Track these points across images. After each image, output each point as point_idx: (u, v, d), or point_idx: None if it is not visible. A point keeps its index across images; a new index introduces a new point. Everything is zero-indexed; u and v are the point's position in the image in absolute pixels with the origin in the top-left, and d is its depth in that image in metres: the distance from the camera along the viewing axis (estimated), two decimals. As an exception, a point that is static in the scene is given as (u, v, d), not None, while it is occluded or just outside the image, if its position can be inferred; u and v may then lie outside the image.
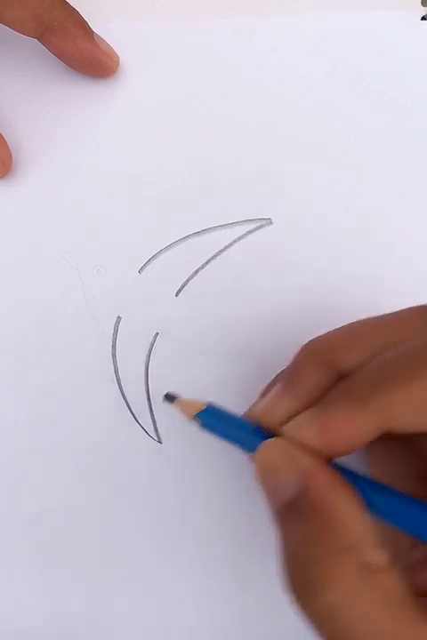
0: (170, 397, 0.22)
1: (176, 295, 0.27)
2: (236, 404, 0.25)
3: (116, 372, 0.26)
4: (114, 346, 0.26)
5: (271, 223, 0.27)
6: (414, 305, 0.19)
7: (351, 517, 0.16)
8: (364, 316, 0.26)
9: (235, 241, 0.27)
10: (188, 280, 0.27)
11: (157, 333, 0.26)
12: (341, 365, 0.18)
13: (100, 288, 0.26)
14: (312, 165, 0.28)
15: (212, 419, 0.20)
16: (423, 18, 0.31)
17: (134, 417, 0.25)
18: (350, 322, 0.20)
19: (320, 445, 0.17)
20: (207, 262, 0.27)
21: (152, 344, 0.26)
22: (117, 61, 0.28)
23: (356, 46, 0.29)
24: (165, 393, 0.22)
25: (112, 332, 0.26)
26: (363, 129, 0.29)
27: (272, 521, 0.17)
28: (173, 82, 0.29)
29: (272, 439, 0.18)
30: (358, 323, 0.20)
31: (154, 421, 0.25)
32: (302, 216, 0.27)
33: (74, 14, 0.27)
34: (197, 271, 0.27)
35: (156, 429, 0.25)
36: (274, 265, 0.27)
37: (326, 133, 0.28)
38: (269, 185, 0.28)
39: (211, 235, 0.27)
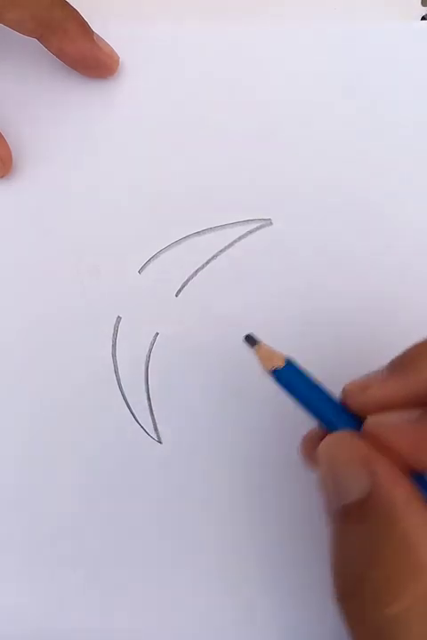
0: (251, 340, 0.20)
1: (176, 295, 0.27)
2: (236, 403, 0.25)
3: (116, 372, 0.26)
4: (114, 346, 0.26)
5: (271, 223, 0.27)
6: None
7: (424, 539, 0.15)
8: (364, 318, 0.27)
9: (235, 241, 0.27)
10: (188, 280, 0.27)
11: (157, 333, 0.26)
12: None
13: (101, 288, 0.26)
14: (312, 166, 0.28)
15: (290, 377, 0.19)
16: (423, 18, 0.31)
17: (134, 417, 0.25)
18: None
19: (412, 459, 0.16)
20: (207, 262, 0.27)
21: (152, 344, 0.26)
22: (117, 61, 0.28)
23: (356, 46, 0.29)
24: (246, 334, 0.20)
25: (112, 332, 0.26)
26: (363, 129, 0.29)
27: (327, 518, 0.16)
28: (173, 82, 0.29)
29: (344, 433, 0.17)
30: None
31: (154, 421, 0.25)
32: (302, 216, 0.27)
33: (74, 14, 0.27)
34: (197, 271, 0.27)
35: (156, 429, 0.25)
36: (274, 265, 0.27)
37: (326, 134, 0.28)
38: (270, 185, 0.28)
39: (211, 235, 0.27)
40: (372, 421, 0.16)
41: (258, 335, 0.26)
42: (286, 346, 0.26)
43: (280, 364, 0.19)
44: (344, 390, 0.18)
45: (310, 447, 0.19)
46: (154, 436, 0.25)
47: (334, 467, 0.16)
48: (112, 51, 0.28)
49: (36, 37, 0.27)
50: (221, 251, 0.27)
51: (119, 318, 0.26)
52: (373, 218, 0.28)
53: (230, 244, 0.27)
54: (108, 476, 0.25)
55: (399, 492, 0.15)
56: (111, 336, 0.26)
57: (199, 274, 0.27)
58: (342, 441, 0.16)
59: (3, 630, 0.24)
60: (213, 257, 0.27)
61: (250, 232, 0.27)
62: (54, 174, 0.28)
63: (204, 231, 0.27)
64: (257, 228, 0.27)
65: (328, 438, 0.17)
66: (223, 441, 0.25)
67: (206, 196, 0.27)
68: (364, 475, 0.15)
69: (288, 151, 0.28)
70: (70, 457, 0.25)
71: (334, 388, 0.20)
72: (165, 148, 0.28)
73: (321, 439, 0.17)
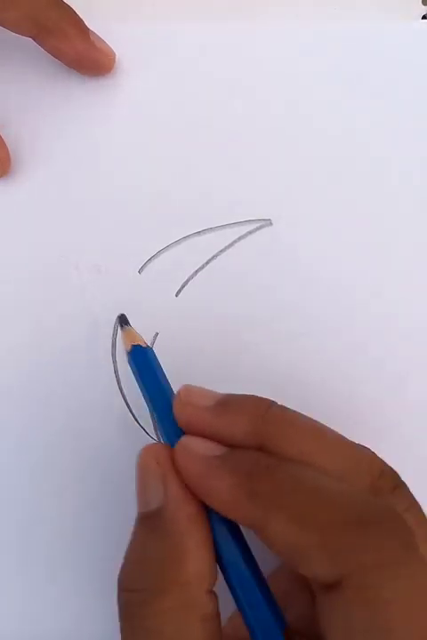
0: (122, 319, 0.22)
1: (176, 295, 0.27)
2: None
3: (116, 372, 0.26)
4: (114, 346, 0.26)
5: (271, 223, 0.27)
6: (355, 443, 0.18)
7: (199, 558, 0.16)
8: (364, 317, 0.27)
9: (235, 241, 0.27)
10: (188, 280, 0.27)
11: (157, 333, 0.26)
12: (269, 444, 0.17)
13: (100, 288, 0.26)
14: (312, 166, 0.28)
15: (139, 361, 0.20)
16: (424, 17, 0.31)
17: (134, 417, 0.25)
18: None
19: (201, 493, 0.17)
20: (207, 262, 0.27)
21: (152, 344, 0.26)
22: (114, 59, 0.28)
23: (356, 46, 0.29)
24: (119, 314, 0.22)
25: (112, 332, 0.26)
26: (363, 129, 0.29)
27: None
28: (172, 82, 0.29)
29: (158, 446, 0.19)
30: (314, 427, 0.18)
31: (154, 421, 0.25)
32: (302, 216, 0.27)
33: (69, 14, 0.27)
34: (197, 271, 0.27)
35: (156, 429, 0.25)
36: (274, 265, 0.27)
37: (327, 134, 0.28)
38: (269, 185, 0.28)
39: (211, 235, 0.27)
40: (184, 442, 0.18)
41: (258, 336, 0.26)
42: (286, 346, 0.26)
43: (130, 347, 0.20)
44: (179, 392, 0.19)
45: None
46: (154, 436, 0.25)
47: (141, 474, 0.18)
48: (108, 48, 0.28)
49: (32, 37, 0.27)
50: (221, 251, 0.27)
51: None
52: (373, 217, 0.28)
53: (230, 244, 0.27)
54: (108, 477, 0.25)
55: (185, 510, 0.17)
56: (111, 336, 0.26)
57: (199, 274, 0.27)
58: (152, 452, 0.18)
59: (3, 630, 0.24)
60: (213, 257, 0.27)
61: (250, 232, 0.27)
62: (54, 174, 0.28)
63: (204, 231, 0.27)
64: (257, 228, 0.27)
65: (146, 447, 0.18)
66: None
67: (206, 195, 0.27)
68: (160, 489, 0.17)
69: (288, 151, 0.28)
70: (70, 457, 0.25)
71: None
72: (165, 148, 0.28)
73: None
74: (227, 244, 0.27)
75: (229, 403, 0.18)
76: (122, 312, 0.22)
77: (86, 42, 0.27)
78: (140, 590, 0.17)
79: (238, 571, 0.17)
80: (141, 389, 0.20)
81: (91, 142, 0.28)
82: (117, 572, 0.24)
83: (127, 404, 0.25)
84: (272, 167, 0.28)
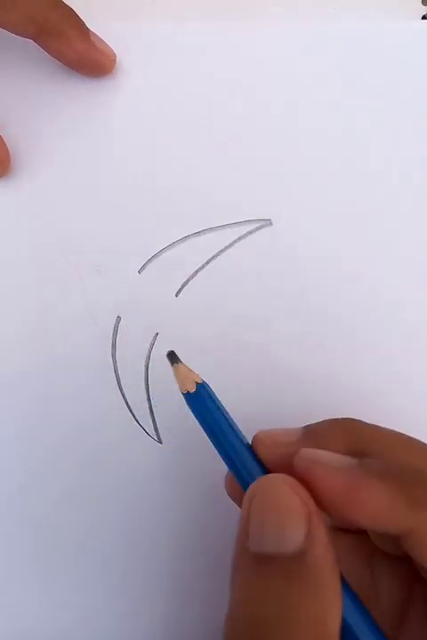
0: (172, 357, 0.19)
1: (176, 295, 0.27)
2: (236, 403, 0.25)
3: (116, 372, 0.26)
4: (114, 346, 0.26)
5: (271, 223, 0.27)
6: None
7: (336, 614, 0.14)
8: (364, 317, 0.27)
9: (235, 241, 0.27)
10: (188, 280, 0.27)
11: (157, 333, 0.26)
12: (367, 446, 0.16)
13: (100, 288, 0.26)
14: (312, 166, 0.28)
15: (202, 404, 0.18)
16: (424, 17, 0.31)
17: (134, 417, 0.25)
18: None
19: (344, 504, 0.15)
20: (207, 262, 0.27)
21: (152, 344, 0.26)
22: (114, 60, 0.28)
23: (356, 46, 0.29)
24: (169, 351, 0.19)
25: (112, 331, 0.26)
26: (363, 129, 0.29)
27: (238, 556, 0.15)
28: (172, 82, 0.29)
29: (284, 477, 0.15)
30: (400, 435, 0.17)
31: (154, 421, 0.25)
32: (302, 216, 0.27)
33: (69, 15, 0.26)
34: (197, 271, 0.27)
35: (156, 429, 0.25)
36: (274, 265, 0.27)
37: (327, 134, 0.28)
38: (270, 185, 0.28)
39: (211, 235, 0.27)
40: (310, 455, 0.16)
41: (258, 336, 0.26)
42: (286, 346, 0.26)
43: (191, 387, 0.18)
44: (256, 437, 0.18)
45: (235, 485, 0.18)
46: (154, 436, 0.25)
47: (265, 510, 0.15)
48: (109, 49, 0.28)
49: (32, 38, 0.27)
50: (221, 251, 0.27)
51: (119, 318, 0.26)
52: (373, 217, 0.28)
53: (230, 244, 0.27)
54: (108, 477, 0.25)
55: (330, 557, 0.14)
56: (111, 336, 0.26)
57: (199, 274, 0.27)
58: (280, 484, 0.15)
59: (3, 630, 0.24)
60: (213, 257, 0.27)
61: (250, 232, 0.27)
62: (54, 174, 0.28)
63: (204, 231, 0.27)
64: (257, 228, 0.27)
65: (267, 478, 0.16)
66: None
67: (206, 195, 0.27)
68: (301, 529, 0.14)
69: (288, 151, 0.28)
70: (70, 457, 0.25)
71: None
72: (165, 148, 0.28)
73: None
74: (227, 244, 0.27)
75: (316, 431, 0.17)
76: (170, 350, 0.19)
77: (87, 43, 0.27)
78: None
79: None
80: (208, 433, 0.18)
81: (91, 142, 0.28)
82: (118, 571, 0.24)
83: (127, 404, 0.26)
84: (272, 167, 0.28)
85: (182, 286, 0.27)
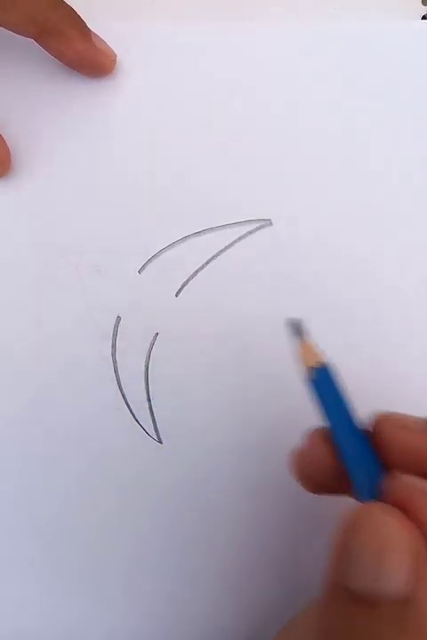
0: (296, 328, 0.18)
1: (176, 295, 0.27)
2: (236, 403, 0.25)
3: (116, 371, 0.26)
4: (114, 346, 0.26)
5: (271, 223, 0.27)
6: None
7: None
8: (364, 317, 0.27)
9: (235, 241, 0.27)
10: (188, 280, 0.27)
11: (157, 333, 0.26)
12: None
13: (100, 288, 0.26)
14: (312, 166, 0.28)
15: (324, 384, 0.17)
16: (424, 17, 0.31)
17: (134, 417, 0.25)
18: None
19: None
20: (207, 262, 0.27)
21: (152, 344, 0.26)
22: (114, 60, 0.28)
23: (356, 46, 0.29)
24: (291, 320, 0.18)
25: (112, 331, 0.26)
26: (363, 129, 0.29)
27: (331, 586, 0.14)
28: (172, 82, 0.29)
29: (390, 509, 0.13)
30: None
31: (154, 421, 0.25)
32: (302, 216, 0.27)
33: (70, 15, 0.26)
34: (197, 271, 0.27)
35: (156, 429, 0.25)
36: (274, 265, 0.27)
37: (327, 133, 0.28)
38: (270, 185, 0.28)
39: (211, 235, 0.27)
40: (407, 479, 0.14)
41: (258, 335, 0.26)
42: (286, 346, 0.26)
43: (315, 364, 0.17)
44: (379, 418, 0.16)
45: (305, 463, 0.17)
46: (154, 436, 0.25)
47: (368, 544, 0.13)
48: (109, 50, 0.28)
49: (33, 38, 0.27)
50: (221, 251, 0.27)
51: (119, 318, 0.26)
52: (373, 217, 0.28)
53: (230, 244, 0.27)
54: (108, 476, 0.25)
55: None
56: (111, 336, 0.26)
57: (199, 274, 0.27)
58: (386, 518, 0.13)
59: (3, 630, 0.24)
60: (213, 257, 0.27)
61: (250, 232, 0.27)
62: (54, 174, 0.28)
63: (204, 231, 0.27)
64: (257, 228, 0.27)
65: (368, 507, 0.14)
66: (223, 441, 0.25)
67: (206, 195, 0.27)
68: (408, 571, 0.13)
69: (288, 151, 0.28)
70: (70, 457, 0.25)
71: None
72: (165, 148, 0.28)
73: (316, 456, 0.17)
74: (227, 244, 0.27)
75: None
76: (296, 317, 0.18)
77: (87, 43, 0.27)
78: None
79: None
80: (326, 417, 0.17)
81: (91, 142, 0.28)
82: (117, 571, 0.24)
83: (127, 404, 0.26)
84: (272, 167, 0.28)
85: (182, 286, 0.27)
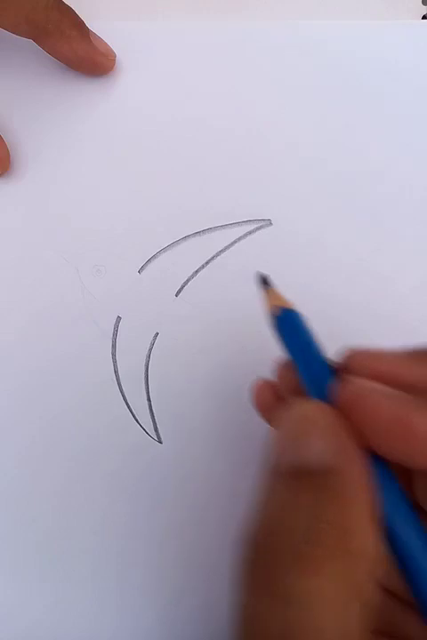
0: (264, 281, 0.19)
1: (176, 295, 0.27)
2: (235, 403, 0.25)
3: (116, 372, 0.26)
4: (114, 346, 0.26)
5: (271, 224, 0.27)
6: None
7: (365, 532, 0.14)
8: (364, 318, 0.27)
9: (235, 241, 0.27)
10: (188, 280, 0.27)
11: (157, 333, 0.26)
12: None
13: (100, 288, 0.26)
14: (312, 166, 0.28)
15: (286, 326, 0.18)
16: (424, 17, 0.31)
17: (134, 417, 0.25)
18: None
19: (393, 426, 0.14)
20: (207, 262, 0.27)
21: (152, 344, 0.26)
22: (113, 60, 0.28)
23: (356, 46, 0.29)
24: (260, 274, 0.19)
25: (112, 331, 0.26)
26: (363, 129, 0.29)
27: (268, 475, 0.15)
28: (172, 81, 0.29)
29: (322, 404, 0.15)
30: None
31: (154, 421, 0.25)
32: (302, 216, 0.27)
33: (69, 15, 0.26)
34: (197, 271, 0.27)
35: (156, 429, 0.25)
36: (274, 265, 0.27)
37: (326, 134, 0.28)
38: (269, 185, 0.28)
39: (211, 235, 0.27)
40: (365, 383, 0.15)
41: (258, 335, 0.26)
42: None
43: (279, 310, 0.18)
44: (351, 350, 0.17)
45: (266, 397, 0.18)
46: (154, 436, 0.25)
47: (301, 427, 0.15)
48: (108, 49, 0.28)
49: (33, 39, 0.27)
50: (221, 251, 0.27)
51: (119, 318, 0.26)
52: (372, 217, 0.28)
53: (230, 244, 0.27)
54: (108, 476, 0.25)
55: (361, 475, 0.14)
56: (111, 336, 0.26)
57: (199, 274, 0.27)
58: (317, 407, 0.15)
59: (3, 630, 0.24)
60: (213, 257, 0.27)
61: (250, 232, 0.27)
62: (54, 174, 0.28)
63: (204, 231, 0.27)
64: (257, 229, 0.27)
65: (302, 404, 0.15)
66: (223, 440, 0.25)
67: (206, 195, 0.27)
68: (331, 443, 0.14)
69: (288, 151, 0.28)
70: (70, 457, 0.25)
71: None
72: (165, 148, 0.28)
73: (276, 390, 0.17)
74: (227, 244, 0.27)
75: (419, 349, 0.16)
76: (260, 272, 0.19)
77: (87, 43, 0.27)
78: (287, 553, 0.13)
79: (414, 551, 0.14)
80: (293, 360, 0.17)
81: (91, 141, 0.28)
82: (117, 570, 0.24)
83: (127, 404, 0.25)
84: (272, 167, 0.28)
85: (182, 286, 0.27)
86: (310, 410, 0.15)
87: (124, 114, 0.29)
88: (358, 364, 0.16)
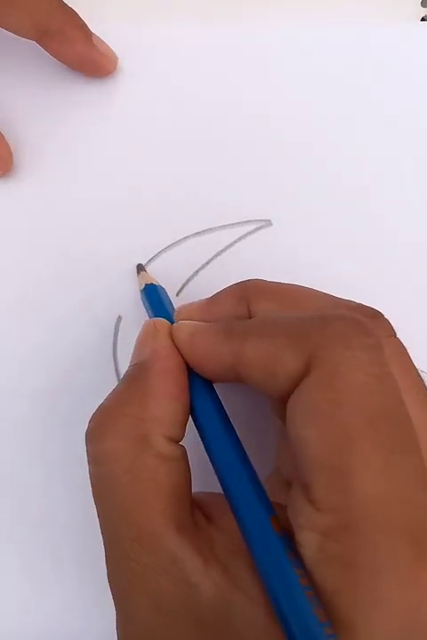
0: (139, 267, 0.25)
1: (176, 295, 0.27)
2: (235, 402, 0.25)
3: (116, 372, 0.26)
4: (114, 346, 0.26)
5: (271, 223, 0.27)
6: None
7: (162, 404, 0.18)
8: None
9: (235, 241, 0.27)
10: (188, 280, 0.27)
11: (158, 333, 0.26)
12: (252, 308, 0.20)
13: (101, 288, 0.27)
14: (312, 166, 0.28)
15: (150, 294, 0.24)
16: (423, 19, 0.31)
17: (134, 417, 0.25)
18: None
19: (186, 352, 0.19)
20: (207, 262, 0.27)
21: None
22: (116, 62, 0.28)
23: (356, 46, 0.29)
24: (138, 264, 0.26)
25: (112, 332, 0.26)
26: (363, 130, 0.29)
27: None
28: (172, 83, 0.29)
29: (159, 320, 0.21)
30: (294, 286, 0.21)
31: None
32: (302, 216, 0.28)
33: (72, 17, 0.27)
34: (197, 271, 0.27)
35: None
36: (274, 265, 0.27)
37: (326, 134, 0.29)
38: (269, 185, 0.28)
39: (211, 235, 0.27)
40: (181, 322, 0.21)
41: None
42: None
43: (145, 284, 0.24)
44: (177, 309, 0.22)
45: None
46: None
47: (140, 334, 0.21)
48: (110, 51, 0.28)
49: (35, 40, 0.27)
50: (221, 251, 0.27)
51: (120, 318, 0.26)
52: (373, 218, 0.28)
53: (230, 245, 0.27)
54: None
55: (162, 362, 0.19)
56: (111, 336, 0.26)
57: (199, 274, 0.27)
58: (153, 322, 0.21)
59: (3, 630, 0.24)
60: (213, 257, 0.27)
61: (250, 232, 0.27)
62: (54, 174, 0.28)
63: (204, 231, 0.27)
64: (257, 229, 0.27)
65: (147, 322, 0.21)
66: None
67: (206, 196, 0.28)
68: (149, 344, 0.20)
69: (288, 151, 0.28)
70: (71, 457, 0.25)
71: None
72: (165, 149, 0.28)
73: None
74: (227, 244, 0.27)
75: (218, 294, 0.21)
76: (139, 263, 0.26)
77: (88, 45, 0.27)
78: (101, 423, 0.18)
79: (217, 439, 0.18)
80: (153, 313, 0.23)
81: (92, 142, 0.28)
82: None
83: (127, 404, 0.25)
84: (272, 167, 0.28)
85: (182, 286, 0.27)
86: (148, 325, 0.21)
87: (126, 115, 0.29)
88: (184, 312, 0.22)
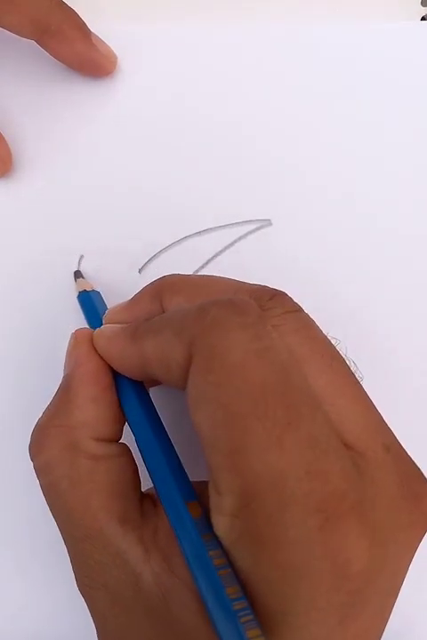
0: (76, 273, 0.26)
1: (176, 295, 0.27)
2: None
3: (116, 371, 0.26)
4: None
5: (271, 224, 0.27)
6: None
7: (86, 409, 0.19)
8: (363, 318, 0.27)
9: (235, 241, 0.27)
10: (188, 280, 0.27)
11: (157, 333, 0.26)
12: (164, 304, 0.20)
13: (101, 288, 0.26)
14: (312, 166, 0.28)
15: (83, 301, 0.25)
16: (423, 18, 0.31)
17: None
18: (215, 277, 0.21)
19: (105, 356, 0.20)
20: (207, 262, 0.27)
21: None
22: (115, 62, 0.28)
23: (356, 46, 0.29)
24: (74, 271, 0.26)
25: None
26: (363, 129, 0.29)
27: None
28: (172, 82, 0.29)
29: (84, 329, 0.22)
30: (203, 277, 0.22)
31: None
32: (302, 216, 0.28)
33: (71, 17, 0.27)
34: (197, 271, 0.27)
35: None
36: (274, 265, 0.27)
37: (326, 134, 0.29)
38: (269, 185, 0.28)
39: (211, 235, 0.27)
40: (101, 327, 0.21)
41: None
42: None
43: (81, 290, 0.25)
44: (107, 310, 0.23)
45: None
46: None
47: (67, 348, 0.21)
48: (110, 51, 0.28)
49: (35, 40, 0.27)
50: (221, 251, 0.27)
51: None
52: (372, 218, 0.28)
53: (230, 244, 0.27)
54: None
55: (82, 369, 0.20)
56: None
57: (199, 274, 0.27)
58: (79, 334, 0.21)
59: (3, 630, 0.24)
60: (213, 257, 0.27)
61: (250, 232, 0.27)
62: (54, 173, 0.28)
63: (204, 231, 0.27)
64: (257, 228, 0.27)
65: (74, 333, 0.22)
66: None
67: (206, 195, 0.28)
68: (73, 355, 0.21)
69: (288, 151, 0.28)
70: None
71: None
72: (165, 148, 0.28)
73: None
74: (227, 244, 0.27)
75: (137, 294, 0.22)
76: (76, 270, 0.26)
77: (88, 45, 0.27)
78: (40, 436, 0.19)
79: (142, 433, 0.19)
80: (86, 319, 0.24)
81: (91, 142, 0.28)
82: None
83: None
84: (272, 167, 0.28)
85: (182, 286, 0.27)
86: (71, 337, 0.21)
87: (125, 115, 0.29)
88: (110, 315, 0.22)
